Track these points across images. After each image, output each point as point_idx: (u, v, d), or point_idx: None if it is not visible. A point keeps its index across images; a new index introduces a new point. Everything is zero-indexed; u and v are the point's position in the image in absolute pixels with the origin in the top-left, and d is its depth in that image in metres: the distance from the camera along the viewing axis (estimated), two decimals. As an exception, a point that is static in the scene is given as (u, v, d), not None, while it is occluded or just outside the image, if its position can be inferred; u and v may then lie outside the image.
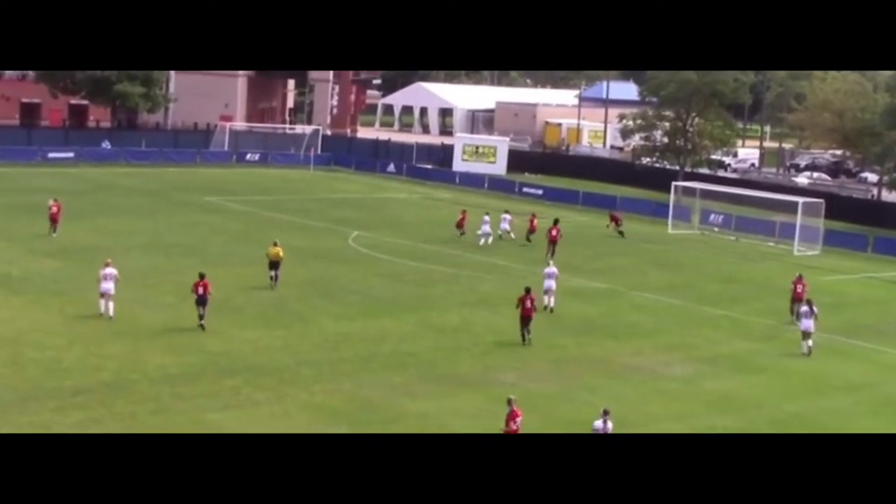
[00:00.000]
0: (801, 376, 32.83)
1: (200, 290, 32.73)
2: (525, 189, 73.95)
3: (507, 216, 53.84)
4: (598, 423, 23.26)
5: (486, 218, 52.11)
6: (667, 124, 77.78)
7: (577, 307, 39.41)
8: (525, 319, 33.59)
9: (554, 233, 49.23)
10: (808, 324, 35.35)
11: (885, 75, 79.30)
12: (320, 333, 33.53)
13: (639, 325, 37.59)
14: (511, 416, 23.24)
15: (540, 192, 72.67)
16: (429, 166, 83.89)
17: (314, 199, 64.37)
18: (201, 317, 32.66)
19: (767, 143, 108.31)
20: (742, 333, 37.57)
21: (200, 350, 30.72)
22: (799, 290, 40.19)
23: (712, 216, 63.15)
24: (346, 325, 34.58)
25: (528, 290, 33.88)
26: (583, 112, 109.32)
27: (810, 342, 35.25)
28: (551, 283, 38.41)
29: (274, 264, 39.22)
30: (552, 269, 39.20)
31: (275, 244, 39.82)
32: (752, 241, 58.49)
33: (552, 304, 38.09)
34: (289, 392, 27.64)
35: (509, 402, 23.58)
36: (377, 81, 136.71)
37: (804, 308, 35.99)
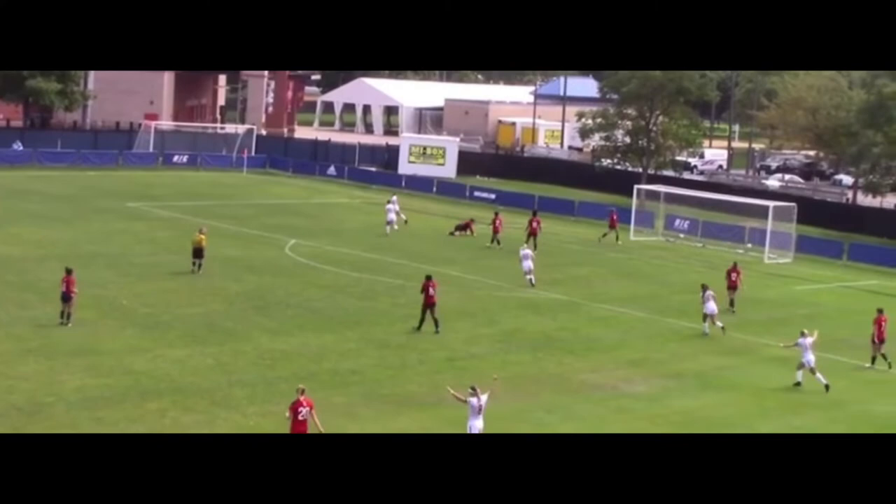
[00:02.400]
0: (774, 393, 33.08)
1: (64, 287, 34.58)
2: (476, 193, 74.10)
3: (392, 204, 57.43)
4: (473, 400, 24.75)
5: (390, 206, 56.59)
6: (629, 123, 78.25)
7: (533, 320, 39.51)
8: (429, 307, 36.26)
9: (535, 224, 54.25)
10: (711, 307, 38.72)
11: (860, 71, 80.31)
12: (255, 351, 33.34)
13: (599, 340, 37.72)
14: (293, 406, 23.68)
15: (493, 196, 72.82)
16: (372, 169, 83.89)
17: (248, 205, 64.05)
18: (68, 315, 34.23)
19: (736, 144, 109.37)
20: (710, 348, 37.79)
21: (123, 370, 30.42)
22: (733, 277, 43.29)
23: (677, 222, 63.59)
24: (282, 342, 34.42)
25: (429, 277, 36.65)
26: (539, 110, 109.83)
27: (719, 322, 38.87)
28: (529, 264, 44.39)
29: (197, 252, 42.64)
30: (526, 250, 45.80)
31: (200, 231, 43.40)
32: (720, 249, 58.90)
33: (533, 280, 44.34)
34: (220, 414, 27.44)
35: (297, 390, 23.98)
36: (316, 77, 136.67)
37: (708, 292, 38.90)
